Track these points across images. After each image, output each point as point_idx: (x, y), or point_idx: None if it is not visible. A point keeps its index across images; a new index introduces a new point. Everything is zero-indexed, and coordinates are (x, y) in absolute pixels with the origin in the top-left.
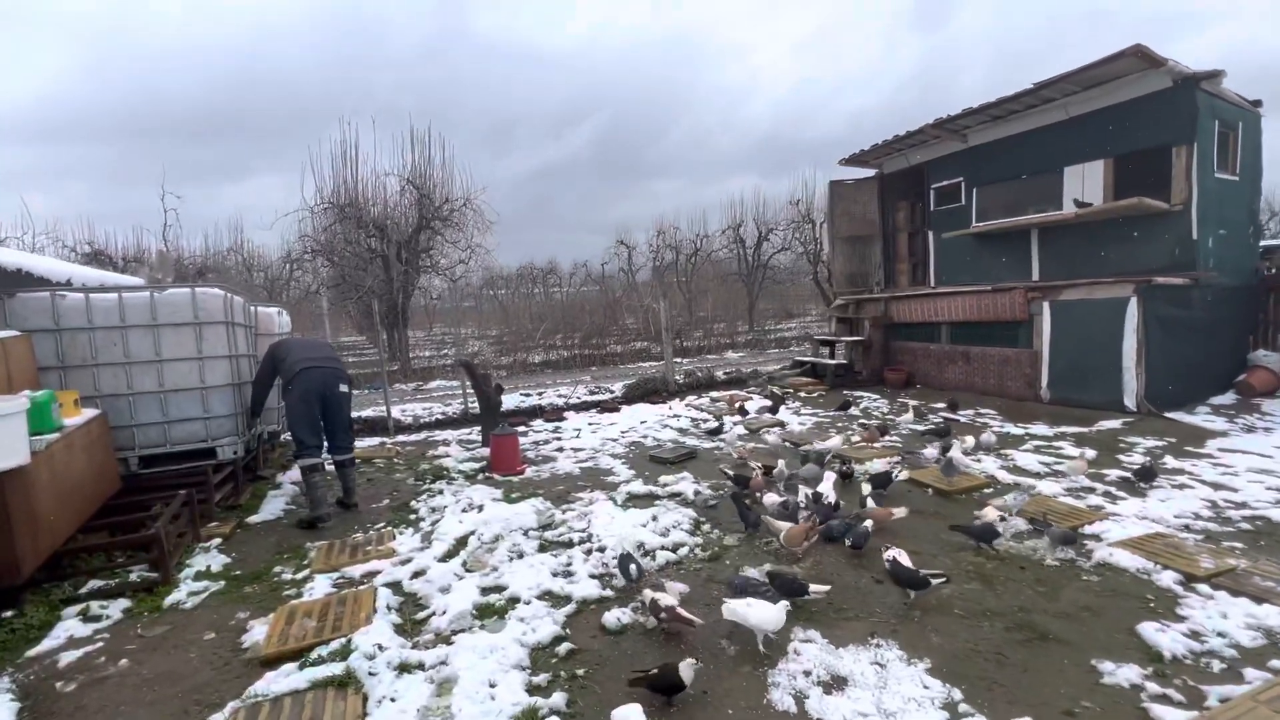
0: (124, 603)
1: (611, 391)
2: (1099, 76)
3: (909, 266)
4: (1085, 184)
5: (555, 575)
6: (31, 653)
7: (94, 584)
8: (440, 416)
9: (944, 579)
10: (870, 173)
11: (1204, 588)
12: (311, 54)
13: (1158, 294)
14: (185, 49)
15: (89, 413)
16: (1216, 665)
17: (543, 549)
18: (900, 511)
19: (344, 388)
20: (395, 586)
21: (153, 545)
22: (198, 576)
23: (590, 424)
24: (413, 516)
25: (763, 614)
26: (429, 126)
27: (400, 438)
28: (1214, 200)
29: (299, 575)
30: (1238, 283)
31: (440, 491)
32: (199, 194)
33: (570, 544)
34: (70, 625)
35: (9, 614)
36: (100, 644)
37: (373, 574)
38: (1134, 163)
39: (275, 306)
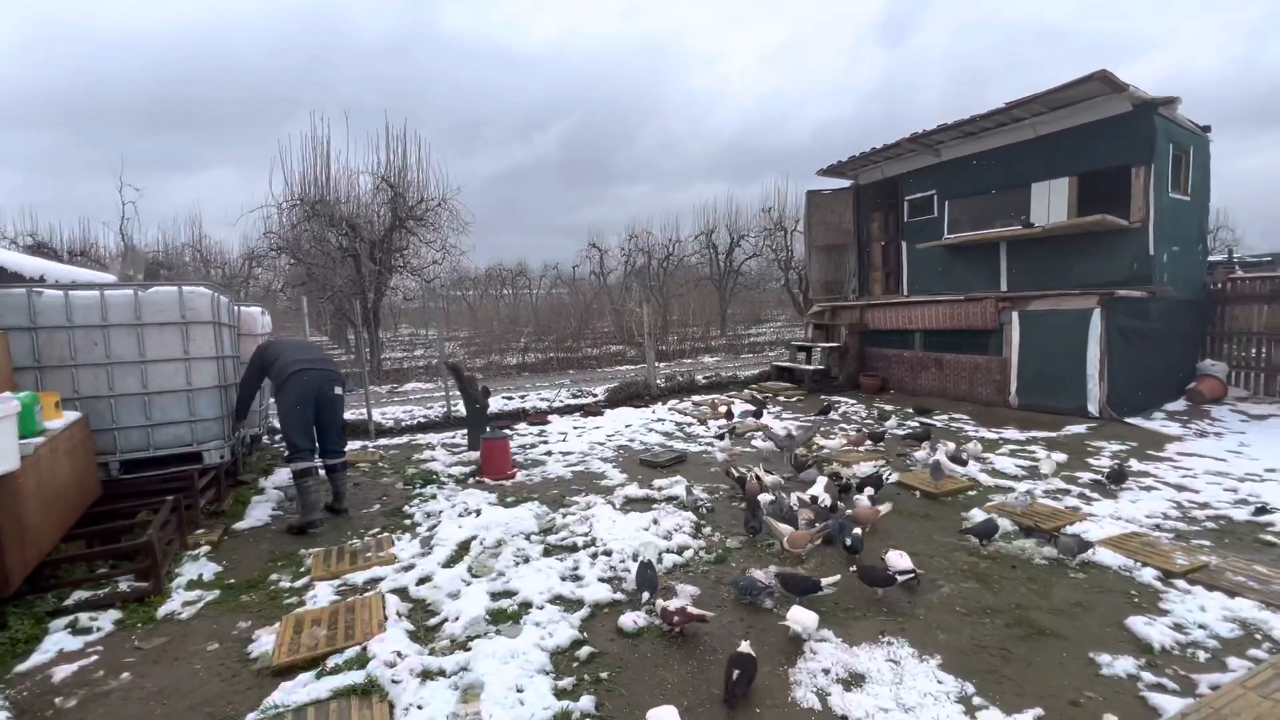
0: (114, 614)
1: (593, 395)
2: (1065, 99)
3: (883, 275)
4: (1051, 200)
5: (564, 579)
6: (21, 668)
7: (80, 595)
8: (422, 420)
9: (911, 575)
10: (846, 183)
11: (1181, 583)
12: (268, 45)
13: (1119, 306)
14: (130, 34)
15: (70, 415)
16: (1202, 655)
17: (547, 553)
18: (885, 507)
19: (338, 390)
20: (402, 593)
21: (143, 554)
22: (190, 586)
23: (575, 428)
24: (408, 522)
25: (810, 616)
26: (405, 124)
27: (382, 441)
28: (1169, 218)
29: (298, 583)
30: (1188, 296)
31: (433, 496)
32: (147, 186)
33: (574, 548)
34: (59, 638)
35: None
36: (95, 657)
37: (375, 580)
38: (1096, 181)
39: (258, 306)
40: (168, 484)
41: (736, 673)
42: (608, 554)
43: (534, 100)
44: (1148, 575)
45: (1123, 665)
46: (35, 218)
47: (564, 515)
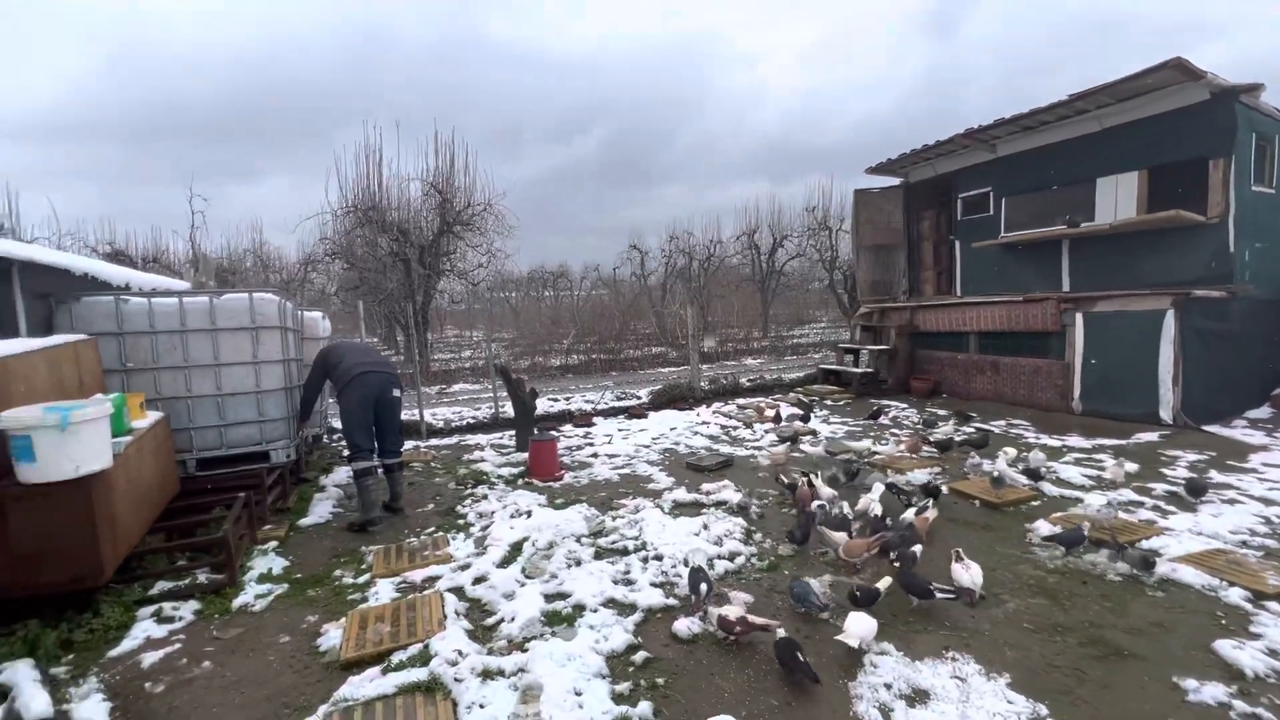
0: (194, 604)
1: (638, 397)
2: (1135, 89)
3: (934, 275)
4: (1119, 195)
5: (616, 583)
6: (113, 653)
7: (162, 585)
8: (470, 420)
9: (952, 595)
10: (895, 181)
11: (1274, 605)
12: (322, 57)
13: (1195, 307)
14: (196, 51)
15: (153, 415)
16: None
17: (598, 556)
18: (931, 513)
19: (396, 392)
20: (459, 592)
21: (219, 548)
22: (261, 579)
23: (620, 429)
24: (461, 521)
25: (868, 627)
26: (453, 131)
27: (433, 441)
28: (1251, 213)
29: (360, 579)
30: (1273, 296)
31: (484, 496)
32: (212, 195)
33: (625, 551)
34: (146, 626)
35: (85, 615)
36: (178, 645)
37: (433, 579)
38: (1169, 174)
39: (318, 310)
40: (238, 481)
41: (799, 655)
42: (659, 558)
43: (573, 102)
44: (1235, 595)
45: (1211, 692)
46: (113, 227)
47: (613, 518)
